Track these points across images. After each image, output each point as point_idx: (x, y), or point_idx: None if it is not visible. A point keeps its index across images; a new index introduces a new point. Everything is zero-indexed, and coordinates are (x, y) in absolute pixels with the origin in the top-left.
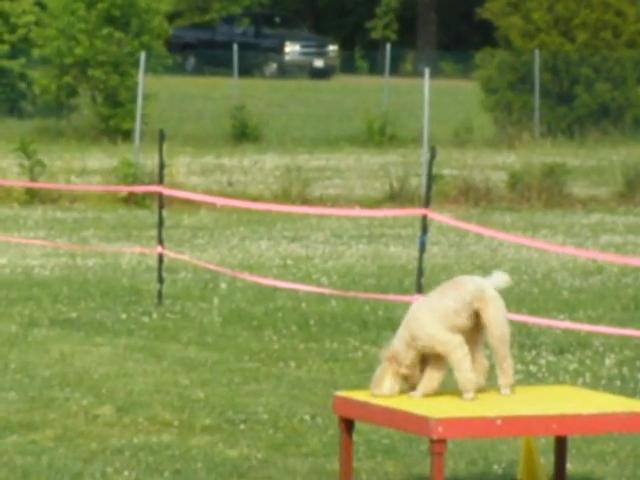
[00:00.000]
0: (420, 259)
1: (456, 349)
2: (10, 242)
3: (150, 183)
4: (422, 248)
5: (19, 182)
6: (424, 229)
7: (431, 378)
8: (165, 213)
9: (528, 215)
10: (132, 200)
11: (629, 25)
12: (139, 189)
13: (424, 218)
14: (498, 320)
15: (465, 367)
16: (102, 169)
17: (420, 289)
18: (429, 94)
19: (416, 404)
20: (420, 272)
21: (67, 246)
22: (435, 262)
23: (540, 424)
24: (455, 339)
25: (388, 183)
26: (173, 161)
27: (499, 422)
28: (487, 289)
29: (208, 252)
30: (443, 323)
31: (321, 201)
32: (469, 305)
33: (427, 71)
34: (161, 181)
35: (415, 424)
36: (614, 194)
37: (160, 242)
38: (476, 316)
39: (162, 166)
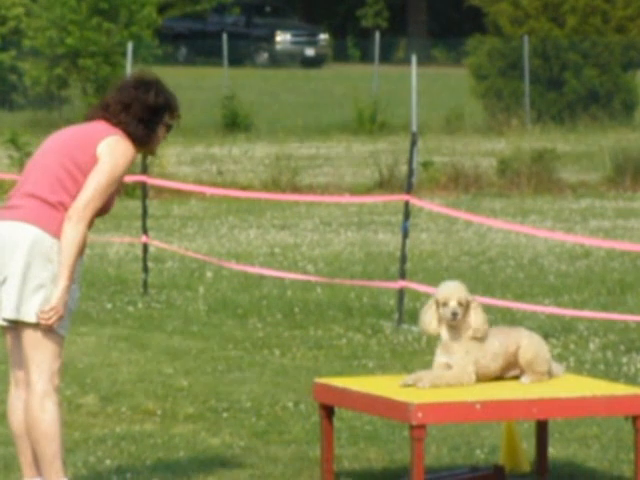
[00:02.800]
0: (403, 245)
1: (465, 375)
2: None
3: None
4: (405, 234)
5: (8, 175)
6: (406, 215)
7: (440, 376)
8: (155, 203)
9: (518, 201)
10: (121, 190)
11: (618, 11)
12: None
13: (406, 204)
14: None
15: (444, 381)
16: None
17: (404, 275)
18: (418, 81)
19: (396, 390)
20: (404, 258)
21: None
22: (423, 248)
23: (520, 408)
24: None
25: (378, 170)
26: (164, 151)
27: (478, 407)
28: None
29: (197, 241)
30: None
31: (311, 189)
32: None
33: (414, 58)
34: (145, 171)
35: (395, 410)
36: (603, 179)
37: (145, 232)
38: None
39: (145, 155)
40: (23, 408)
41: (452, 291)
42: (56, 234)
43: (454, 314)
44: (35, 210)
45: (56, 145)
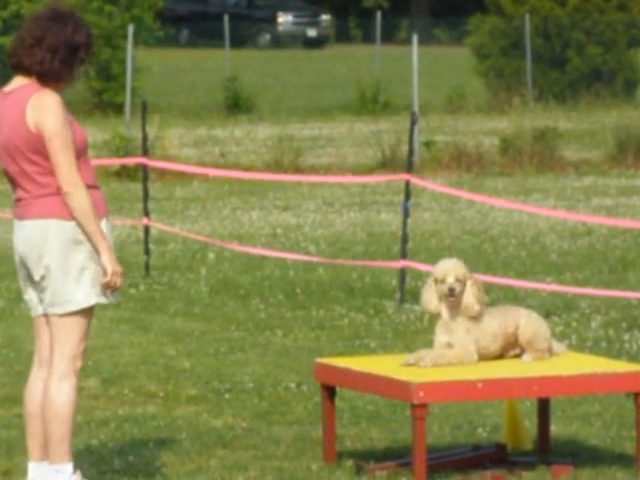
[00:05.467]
0: (404, 225)
1: (467, 354)
2: (0, 218)
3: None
4: (406, 214)
5: None
6: (407, 195)
7: (442, 355)
8: (158, 185)
9: (520, 179)
10: (124, 173)
11: None
12: (123, 161)
13: (407, 184)
14: None
15: (446, 360)
16: (95, 143)
17: (405, 255)
18: (420, 61)
19: (397, 370)
20: (405, 238)
21: None
22: (425, 228)
23: (521, 386)
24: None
25: (380, 151)
26: (166, 133)
27: (480, 385)
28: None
29: (199, 223)
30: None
31: (313, 170)
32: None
33: (415, 38)
34: (145, 153)
35: (396, 389)
36: (606, 157)
37: (146, 214)
38: None
39: (145, 138)
40: (42, 388)
41: (450, 267)
42: (70, 215)
43: (451, 289)
44: (39, 204)
45: (3, 146)
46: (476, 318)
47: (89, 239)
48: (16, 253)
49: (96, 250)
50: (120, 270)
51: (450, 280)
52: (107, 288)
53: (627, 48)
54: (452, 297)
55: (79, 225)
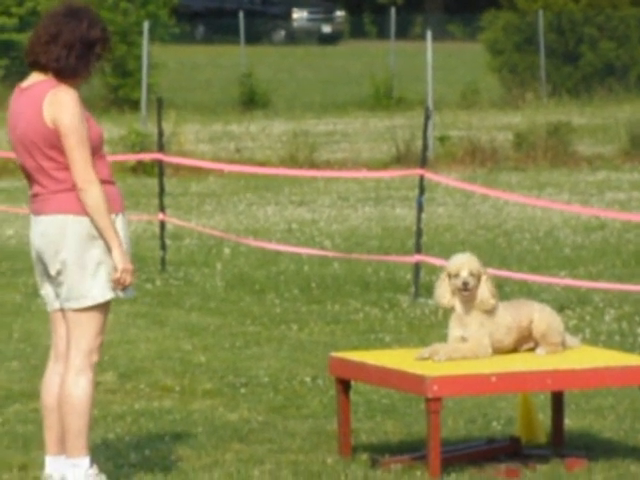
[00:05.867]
0: (418, 220)
1: (481, 348)
2: (18, 213)
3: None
4: (420, 208)
5: None
6: (421, 190)
7: (456, 349)
8: (174, 181)
9: (534, 174)
10: (140, 169)
11: None
12: (139, 157)
13: (421, 179)
14: None
15: (460, 353)
16: (111, 139)
17: (419, 249)
18: (434, 57)
19: (412, 363)
20: (419, 232)
21: None
22: (439, 222)
23: (534, 380)
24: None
25: (395, 146)
26: (182, 129)
27: (494, 379)
28: None
29: (215, 218)
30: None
31: (328, 165)
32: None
33: (429, 34)
34: (161, 148)
35: (410, 383)
36: (619, 151)
37: (162, 209)
38: None
39: (161, 134)
40: (59, 382)
41: (463, 262)
42: (84, 211)
43: (465, 284)
44: (56, 200)
45: (19, 141)
46: (490, 312)
47: (101, 235)
48: (32, 248)
49: (108, 246)
50: (131, 267)
51: (464, 274)
52: (117, 285)
53: None
54: (466, 291)
55: (92, 221)
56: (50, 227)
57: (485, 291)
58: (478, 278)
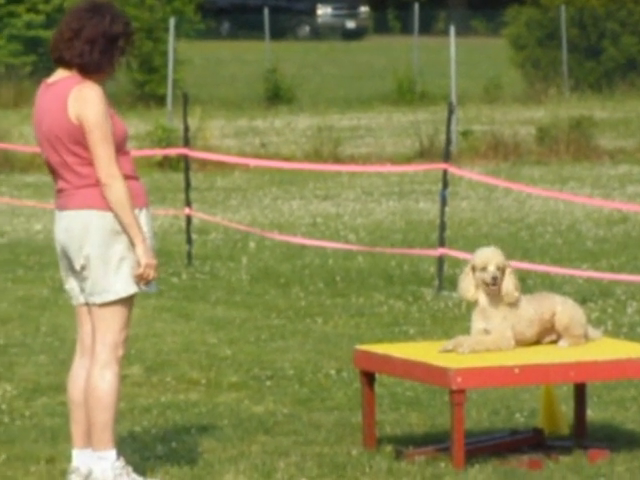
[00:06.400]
0: (442, 213)
1: (504, 340)
2: (46, 208)
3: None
4: (443, 202)
5: None
6: (445, 184)
7: (479, 341)
8: (200, 176)
9: (556, 168)
10: (166, 164)
11: None
12: (165, 152)
13: (444, 173)
14: None
15: (483, 346)
16: (138, 134)
17: (443, 243)
18: (458, 52)
19: (435, 356)
20: (443, 226)
21: None
22: (463, 216)
23: (557, 372)
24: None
25: (418, 140)
26: (207, 124)
27: (517, 371)
28: None
29: (240, 213)
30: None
31: (353, 160)
32: None
33: (452, 29)
34: (187, 144)
35: (434, 375)
36: None
37: (188, 204)
38: None
39: (187, 129)
40: (85, 376)
41: (490, 256)
42: (108, 206)
43: (494, 278)
44: (80, 195)
45: (45, 137)
46: (513, 305)
47: (124, 230)
48: (57, 243)
49: (131, 242)
50: (154, 263)
51: (492, 269)
52: (140, 280)
53: None
54: (494, 286)
55: (115, 216)
56: (74, 222)
57: (510, 284)
58: (503, 271)
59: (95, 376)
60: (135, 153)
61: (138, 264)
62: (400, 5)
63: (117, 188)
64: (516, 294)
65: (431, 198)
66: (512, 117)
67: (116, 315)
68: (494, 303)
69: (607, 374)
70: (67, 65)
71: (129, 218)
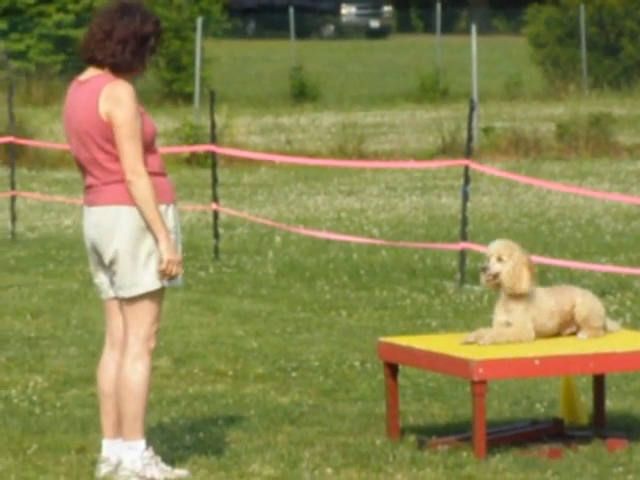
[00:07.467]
0: (464, 208)
1: (524, 332)
2: (75, 204)
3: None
4: (465, 197)
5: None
6: (466, 179)
7: (500, 333)
8: (226, 172)
9: (576, 164)
10: (194, 160)
11: None
12: (192, 149)
13: (466, 169)
14: None
15: (504, 338)
16: (166, 131)
17: (465, 237)
18: (479, 50)
19: (458, 348)
20: (464, 221)
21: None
22: (484, 211)
23: (577, 363)
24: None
25: (441, 137)
26: (234, 121)
27: (537, 362)
28: None
29: (266, 208)
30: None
31: (376, 156)
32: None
33: (474, 28)
34: (214, 140)
35: (456, 367)
36: None
37: (215, 199)
38: None
39: (214, 126)
40: (115, 368)
41: (491, 249)
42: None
43: (483, 268)
44: (109, 191)
45: (75, 133)
46: (533, 297)
47: (148, 226)
48: (87, 239)
49: (155, 238)
50: (177, 259)
51: (491, 260)
52: (164, 275)
53: None
54: (489, 276)
55: (140, 212)
56: (104, 218)
57: (505, 275)
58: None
59: (127, 367)
60: (163, 150)
61: (161, 260)
62: (423, 4)
63: (141, 185)
64: (519, 286)
65: (453, 193)
66: (532, 114)
67: (146, 308)
68: (515, 295)
69: (625, 365)
70: (99, 65)
71: (153, 214)
